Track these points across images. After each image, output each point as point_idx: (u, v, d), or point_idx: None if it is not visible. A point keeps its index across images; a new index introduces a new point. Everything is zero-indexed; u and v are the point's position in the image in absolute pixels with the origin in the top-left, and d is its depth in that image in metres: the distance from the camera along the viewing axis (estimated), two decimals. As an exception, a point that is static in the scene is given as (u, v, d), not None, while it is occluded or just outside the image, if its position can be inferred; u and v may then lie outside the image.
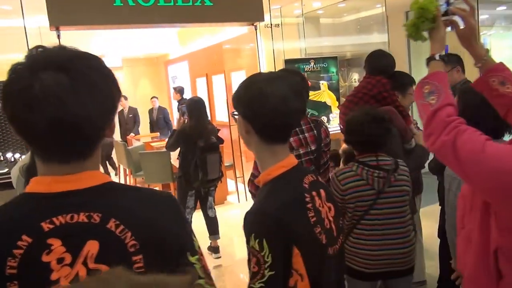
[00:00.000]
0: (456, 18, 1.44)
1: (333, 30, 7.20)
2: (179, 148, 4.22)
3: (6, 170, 3.86)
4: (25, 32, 3.61)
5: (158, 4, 3.89)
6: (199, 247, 0.92)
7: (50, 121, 0.76)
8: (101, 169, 0.93)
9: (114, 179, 8.36)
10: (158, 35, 9.09)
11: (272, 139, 1.22)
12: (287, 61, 5.19)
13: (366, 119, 2.07)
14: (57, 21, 3.55)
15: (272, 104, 1.16)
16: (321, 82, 5.23)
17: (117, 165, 8.36)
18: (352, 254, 2.10)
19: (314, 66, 5.31)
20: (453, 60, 3.36)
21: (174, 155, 4.76)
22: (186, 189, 4.16)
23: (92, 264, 0.78)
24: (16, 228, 0.78)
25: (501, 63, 1.48)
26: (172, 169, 5.76)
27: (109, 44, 8.67)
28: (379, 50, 3.05)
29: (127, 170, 7.21)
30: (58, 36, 3.69)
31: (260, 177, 1.25)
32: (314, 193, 1.23)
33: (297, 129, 2.13)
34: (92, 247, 0.79)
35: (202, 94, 7.93)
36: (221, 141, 4.30)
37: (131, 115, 8.71)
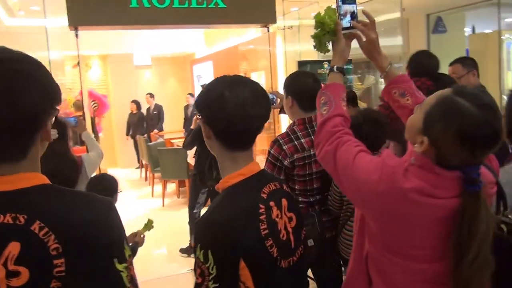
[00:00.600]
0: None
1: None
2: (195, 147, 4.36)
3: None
4: (46, 32, 3.84)
5: (173, 6, 4.02)
6: (130, 256, 0.92)
7: None
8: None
9: (135, 172, 8.70)
10: (185, 35, 9.32)
11: (232, 145, 1.20)
12: (300, 63, 5.23)
13: (364, 120, 2.11)
14: (75, 21, 3.74)
15: (231, 109, 1.13)
16: (334, 84, 5.23)
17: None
18: (345, 246, 2.18)
19: (328, 68, 5.30)
20: (469, 64, 3.27)
21: (192, 153, 4.91)
22: (200, 187, 4.31)
23: (12, 266, 0.79)
24: None
25: (403, 75, 1.52)
26: (188, 166, 5.93)
27: (139, 44, 8.97)
28: (424, 50, 2.85)
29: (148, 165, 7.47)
30: (76, 36, 3.89)
31: (219, 184, 1.22)
32: (272, 203, 1.19)
33: (309, 130, 2.17)
34: (13, 248, 0.79)
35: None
36: (237, 141, 4.37)
37: (155, 112, 8.98)
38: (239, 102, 1.14)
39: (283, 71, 6.24)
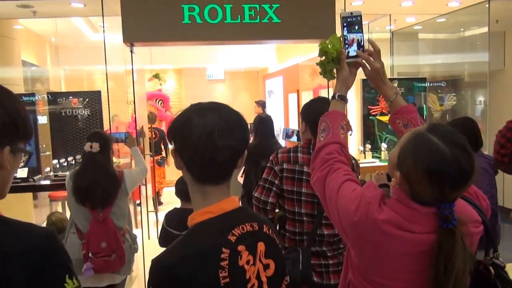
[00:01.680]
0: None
1: (432, 48, 6.53)
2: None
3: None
4: (104, 47, 3.98)
5: (225, 21, 3.94)
6: None
7: None
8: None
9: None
10: (258, 50, 9.31)
11: (201, 178, 1.09)
12: (364, 81, 4.85)
13: None
14: (130, 37, 3.82)
15: (196, 137, 1.04)
16: (403, 105, 4.76)
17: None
18: None
19: (398, 87, 4.85)
20: None
21: (240, 172, 4.79)
22: (247, 208, 4.15)
23: None
24: None
25: (409, 105, 1.49)
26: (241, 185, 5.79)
27: (212, 58, 9.13)
28: None
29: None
30: (131, 51, 3.97)
31: (188, 221, 1.12)
32: (241, 247, 1.05)
33: (311, 150, 2.07)
34: None
35: (293, 110, 7.93)
36: (288, 161, 4.17)
37: (225, 126, 9.03)
38: (207, 130, 1.05)
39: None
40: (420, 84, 5.10)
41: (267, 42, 4.85)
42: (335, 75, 1.52)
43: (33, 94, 4.63)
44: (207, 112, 1.09)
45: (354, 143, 5.42)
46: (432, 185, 1.07)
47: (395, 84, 4.99)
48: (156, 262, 1.02)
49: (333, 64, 1.48)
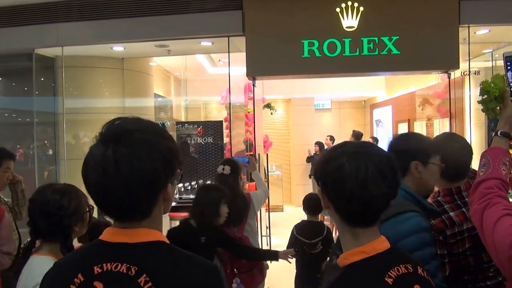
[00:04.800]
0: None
1: None
2: None
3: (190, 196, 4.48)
4: (229, 81, 4.34)
5: (344, 54, 4.06)
6: None
7: (94, 186, 0.93)
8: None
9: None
10: (366, 79, 9.25)
11: (351, 222, 1.09)
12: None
13: None
14: (253, 72, 4.12)
15: (349, 187, 1.03)
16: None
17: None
18: None
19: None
20: None
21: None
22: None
23: None
24: (75, 268, 0.94)
25: None
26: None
27: (320, 88, 9.29)
28: None
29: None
30: (253, 85, 4.26)
31: (339, 258, 1.11)
32: None
33: (458, 202, 1.85)
34: None
35: (403, 140, 7.69)
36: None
37: (330, 155, 9.03)
38: (360, 178, 1.03)
39: (470, 119, 5.55)
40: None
41: (386, 74, 4.87)
42: (498, 113, 1.52)
43: (163, 123, 5.18)
44: (358, 156, 1.06)
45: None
46: None
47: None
48: None
49: (495, 102, 1.51)
